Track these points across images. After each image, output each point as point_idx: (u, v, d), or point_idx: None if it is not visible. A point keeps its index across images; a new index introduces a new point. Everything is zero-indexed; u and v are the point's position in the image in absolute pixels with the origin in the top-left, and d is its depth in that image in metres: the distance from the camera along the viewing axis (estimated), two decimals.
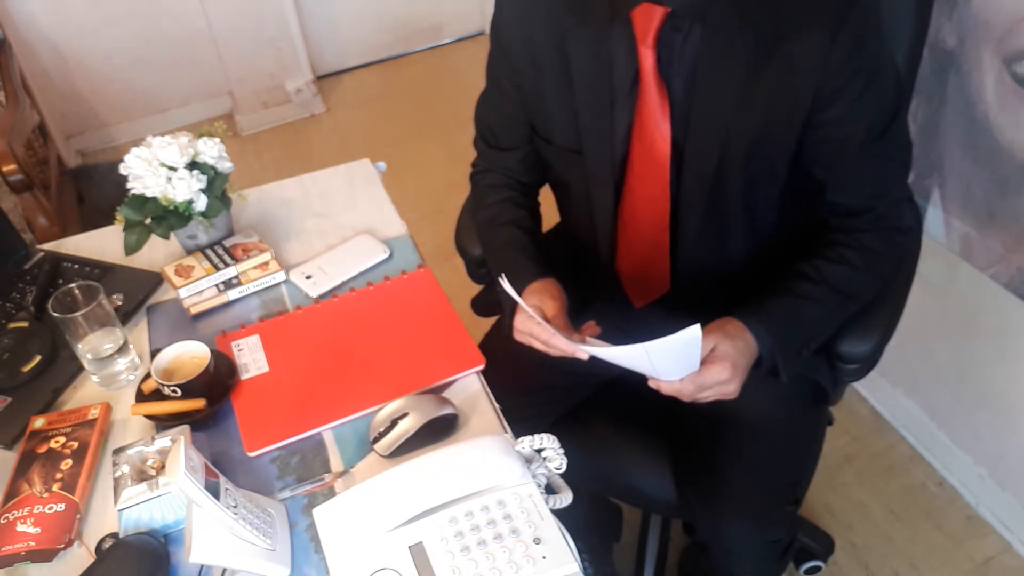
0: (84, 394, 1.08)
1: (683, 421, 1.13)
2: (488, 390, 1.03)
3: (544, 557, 0.77)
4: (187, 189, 1.13)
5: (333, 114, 3.30)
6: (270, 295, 1.20)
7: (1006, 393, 1.51)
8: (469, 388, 1.03)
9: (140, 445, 0.91)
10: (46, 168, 2.29)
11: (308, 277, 1.21)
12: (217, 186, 1.18)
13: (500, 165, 1.17)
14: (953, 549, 1.60)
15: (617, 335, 1.00)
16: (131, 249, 1.17)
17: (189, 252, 1.23)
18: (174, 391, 0.98)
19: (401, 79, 3.46)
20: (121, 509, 0.86)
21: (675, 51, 0.93)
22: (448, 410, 0.96)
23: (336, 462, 0.96)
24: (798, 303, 0.98)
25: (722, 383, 0.91)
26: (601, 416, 1.23)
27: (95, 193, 2.69)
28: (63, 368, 1.10)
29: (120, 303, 1.19)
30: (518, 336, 1.01)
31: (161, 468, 0.89)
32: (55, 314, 1.02)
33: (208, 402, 0.99)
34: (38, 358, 1.10)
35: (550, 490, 0.87)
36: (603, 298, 1.19)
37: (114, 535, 0.88)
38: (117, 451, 0.91)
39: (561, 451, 0.87)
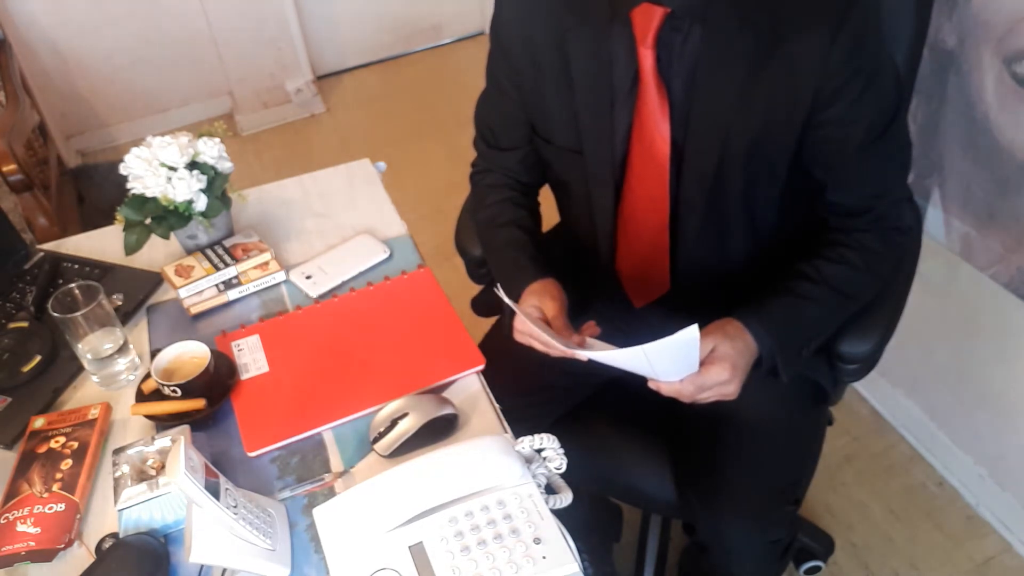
0: (84, 394, 1.08)
1: (683, 421, 1.13)
2: (488, 390, 1.03)
3: (544, 557, 0.77)
4: (187, 189, 1.13)
5: (333, 114, 3.30)
6: (270, 295, 1.20)
7: (1006, 393, 1.51)
8: (469, 388, 1.03)
9: (140, 445, 0.91)
10: (46, 168, 2.29)
11: (308, 277, 1.21)
12: (217, 186, 1.18)
13: (500, 165, 1.17)
14: (953, 549, 1.60)
15: (617, 335, 1.00)
16: (131, 249, 1.17)
17: (189, 252, 1.23)
18: (174, 391, 0.98)
19: (401, 79, 3.46)
20: (121, 509, 0.86)
21: (675, 51, 0.93)
22: (448, 410, 0.96)
23: (336, 462, 0.96)
24: (798, 303, 0.98)
25: (722, 384, 0.91)
26: (601, 416, 1.23)
27: (95, 193, 2.69)
28: (63, 368, 1.10)
29: (120, 303, 1.19)
30: (518, 337, 1.01)
31: (161, 468, 0.89)
32: (55, 314, 1.02)
33: (208, 402, 0.99)
34: (38, 358, 1.10)
35: (550, 490, 0.87)
36: (603, 298, 1.19)
37: (114, 535, 0.88)
38: (117, 451, 0.91)
39: (561, 451, 0.87)
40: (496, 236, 1.14)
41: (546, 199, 1.21)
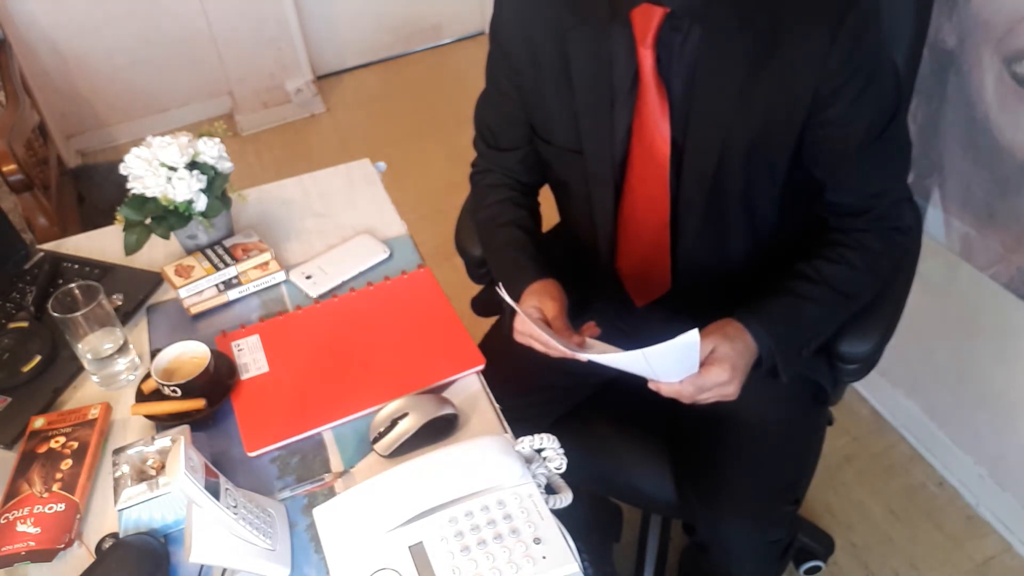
0: (84, 394, 1.08)
1: (683, 421, 1.13)
2: (488, 390, 1.03)
3: (544, 557, 0.77)
4: (187, 189, 1.13)
5: (333, 114, 3.30)
6: (270, 295, 1.20)
7: (1006, 393, 1.51)
8: (469, 388, 1.03)
9: (140, 445, 0.91)
10: (46, 168, 2.29)
11: (308, 277, 1.21)
12: (217, 186, 1.18)
13: (500, 165, 1.17)
14: (953, 549, 1.60)
15: (617, 335, 1.00)
16: (131, 249, 1.17)
17: (189, 252, 1.23)
18: (174, 391, 0.98)
19: (401, 79, 3.46)
20: (121, 509, 0.86)
21: (675, 51, 0.93)
22: (448, 410, 0.96)
23: (336, 462, 0.96)
24: (798, 303, 0.98)
25: (722, 384, 0.91)
26: (601, 416, 1.23)
27: (95, 193, 2.69)
28: (63, 368, 1.10)
29: (120, 303, 1.19)
30: (518, 337, 1.01)
31: (161, 468, 0.89)
32: (55, 314, 1.02)
33: (208, 402, 0.99)
34: (38, 358, 1.10)
35: (550, 490, 0.87)
36: (603, 298, 1.19)
37: (114, 535, 0.88)
38: (117, 451, 0.91)
39: (561, 451, 0.87)
40: (496, 236, 1.14)
41: (546, 199, 1.21)
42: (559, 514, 0.82)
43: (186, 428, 0.95)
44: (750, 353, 0.94)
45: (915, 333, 1.56)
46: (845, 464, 1.76)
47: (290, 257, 1.26)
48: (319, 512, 0.85)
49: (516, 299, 1.03)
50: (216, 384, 1.01)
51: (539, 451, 0.87)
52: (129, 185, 1.15)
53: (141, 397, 1.03)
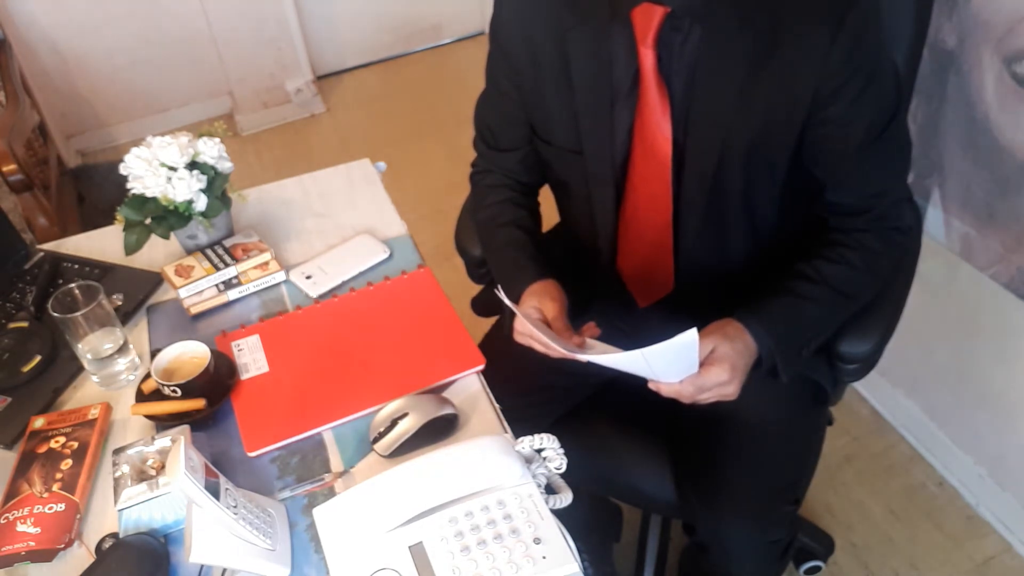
0: (84, 394, 1.08)
1: (683, 421, 1.13)
2: (488, 390, 1.03)
3: (544, 557, 0.77)
4: (187, 189, 1.13)
5: (333, 114, 3.30)
6: (270, 295, 1.20)
7: (1006, 393, 1.51)
8: (469, 388, 1.03)
9: (140, 445, 0.91)
10: (46, 168, 2.29)
11: (308, 277, 1.21)
12: (217, 186, 1.18)
13: (500, 166, 1.17)
14: (953, 549, 1.60)
15: (617, 335, 1.00)
16: (131, 249, 1.17)
17: (189, 252, 1.23)
18: (174, 391, 0.98)
19: (401, 79, 3.46)
20: (121, 509, 0.86)
21: (675, 51, 0.93)
22: (448, 410, 0.96)
23: (336, 462, 0.96)
24: (798, 303, 0.98)
25: (722, 384, 0.91)
26: (601, 416, 1.23)
27: (95, 193, 2.69)
28: (63, 368, 1.10)
29: (120, 303, 1.19)
30: (518, 338, 1.01)
31: (161, 468, 0.89)
32: (55, 314, 1.01)
33: (208, 402, 0.99)
34: (38, 358, 1.10)
35: (550, 490, 0.87)
36: (604, 298, 1.19)
37: (114, 535, 0.88)
38: (117, 451, 0.91)
39: (561, 451, 0.87)
40: (496, 236, 1.14)
41: (546, 199, 1.21)
42: (559, 514, 0.82)
43: (186, 428, 0.95)
44: (750, 353, 0.94)
45: (915, 333, 1.56)
46: (845, 464, 1.76)
47: (290, 257, 1.26)
48: (319, 512, 0.85)
49: (516, 299, 1.03)
50: (216, 384, 1.01)
51: (539, 451, 0.87)
52: (129, 185, 1.15)
53: (141, 397, 1.03)
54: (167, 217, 1.16)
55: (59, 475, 0.94)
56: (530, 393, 1.15)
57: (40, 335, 1.13)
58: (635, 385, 0.94)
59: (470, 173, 1.23)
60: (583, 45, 0.96)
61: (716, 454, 1.08)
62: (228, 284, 1.19)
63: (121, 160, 1.15)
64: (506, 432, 0.96)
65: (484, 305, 1.33)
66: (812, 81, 0.89)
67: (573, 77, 0.98)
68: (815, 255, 1.01)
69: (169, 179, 1.13)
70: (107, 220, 1.27)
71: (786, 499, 1.12)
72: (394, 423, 0.94)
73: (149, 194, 1.13)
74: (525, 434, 0.88)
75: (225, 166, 1.20)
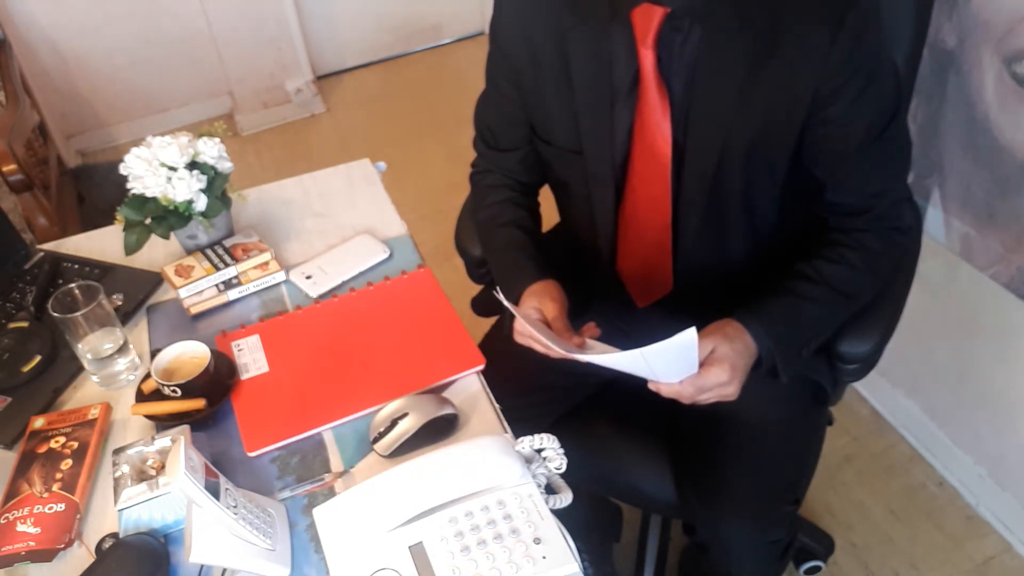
0: (84, 394, 1.08)
1: (683, 421, 1.13)
2: (488, 390, 1.03)
3: (544, 557, 0.77)
4: (187, 189, 1.13)
5: (333, 114, 3.30)
6: (270, 295, 1.20)
7: (1006, 393, 1.51)
8: (469, 388, 1.03)
9: (140, 445, 0.91)
10: (46, 168, 2.29)
11: (308, 277, 1.21)
12: (217, 186, 1.18)
13: (500, 166, 1.17)
14: (953, 549, 1.60)
15: (617, 335, 1.00)
16: (131, 249, 1.17)
17: (189, 252, 1.23)
18: (174, 391, 0.98)
19: (401, 79, 3.46)
20: (121, 509, 0.86)
21: (675, 51, 0.93)
22: (448, 410, 0.96)
23: (336, 462, 0.96)
24: (798, 303, 0.98)
25: (721, 385, 0.91)
26: (601, 416, 1.23)
27: (95, 193, 2.69)
28: (63, 368, 1.10)
29: (120, 303, 1.19)
30: (518, 338, 1.01)
31: (161, 468, 0.89)
32: (55, 314, 1.01)
33: (208, 402, 0.99)
34: (38, 358, 1.10)
35: (550, 490, 0.87)
36: (604, 299, 1.19)
37: (114, 535, 0.88)
38: (117, 451, 0.91)
39: (561, 451, 0.87)
40: (496, 236, 1.14)
41: (546, 199, 1.21)
42: (559, 514, 0.83)
43: (186, 428, 0.95)
44: (750, 353, 0.94)
45: (915, 333, 1.56)
46: (845, 464, 1.76)
47: (290, 257, 1.26)
48: (319, 512, 0.85)
49: (516, 299, 1.03)
50: (216, 384, 1.01)
51: (539, 451, 0.87)
52: (129, 185, 1.15)
53: (141, 397, 1.03)
54: (167, 217, 1.16)
55: (59, 475, 0.94)
56: (530, 393, 1.15)
57: (40, 335, 1.13)
58: (635, 385, 0.94)
59: (470, 173, 1.23)
60: (583, 45, 0.96)
61: (716, 454, 1.08)
62: (228, 284, 1.19)
63: (121, 160, 1.15)
64: (506, 432, 0.96)
65: (484, 305, 1.33)
66: (812, 81, 0.89)
67: (573, 77, 0.98)
68: (815, 255, 1.01)
69: (169, 179, 1.13)
70: (107, 220, 1.27)
71: (786, 499, 1.12)
72: (394, 423, 0.94)
73: (149, 194, 1.13)
74: (525, 434, 0.88)
75: (225, 166, 1.20)
